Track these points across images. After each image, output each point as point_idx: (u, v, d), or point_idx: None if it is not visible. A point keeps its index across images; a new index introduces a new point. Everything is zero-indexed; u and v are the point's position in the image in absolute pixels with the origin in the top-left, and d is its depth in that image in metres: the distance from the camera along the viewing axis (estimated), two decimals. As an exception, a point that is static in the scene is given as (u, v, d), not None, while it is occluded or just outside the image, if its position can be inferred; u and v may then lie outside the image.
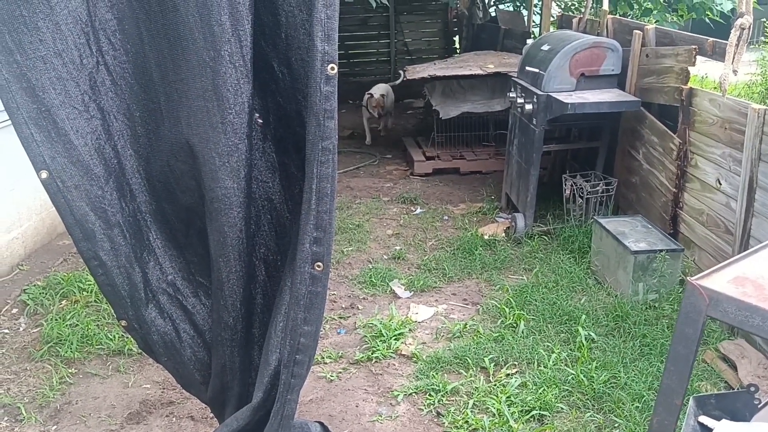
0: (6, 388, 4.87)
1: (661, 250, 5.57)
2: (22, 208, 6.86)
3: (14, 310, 5.90)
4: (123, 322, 3.35)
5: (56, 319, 5.50)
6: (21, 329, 5.60)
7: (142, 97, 3.31)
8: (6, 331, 5.59)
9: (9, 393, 4.82)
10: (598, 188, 6.98)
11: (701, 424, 2.22)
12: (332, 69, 3.00)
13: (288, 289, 3.37)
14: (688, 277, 1.95)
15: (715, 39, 5.86)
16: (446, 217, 8.01)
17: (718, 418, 2.27)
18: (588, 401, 4.54)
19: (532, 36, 11.04)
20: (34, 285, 6.20)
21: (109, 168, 3.21)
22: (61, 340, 5.27)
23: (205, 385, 3.78)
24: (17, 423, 4.54)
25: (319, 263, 3.17)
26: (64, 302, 5.89)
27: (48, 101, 2.96)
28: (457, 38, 15.61)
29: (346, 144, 11.15)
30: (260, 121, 3.36)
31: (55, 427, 4.51)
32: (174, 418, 4.51)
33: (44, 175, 2.93)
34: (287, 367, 3.25)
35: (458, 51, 14.80)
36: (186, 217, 3.53)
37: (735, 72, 4.67)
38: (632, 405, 4.40)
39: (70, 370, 5.03)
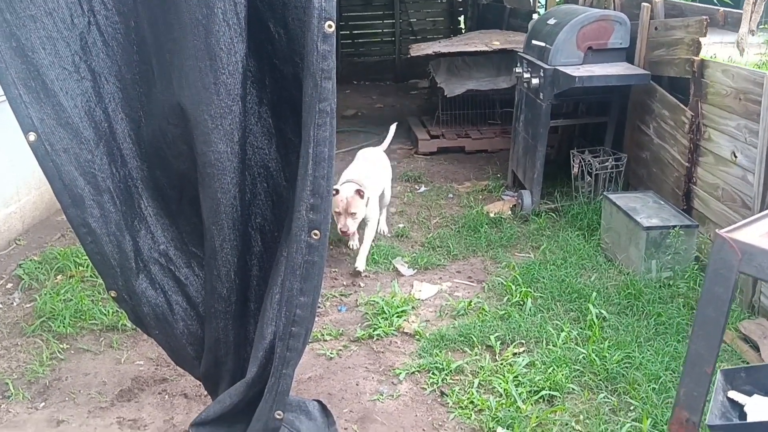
0: (-6, 364, 4.74)
1: (674, 226, 5.39)
2: (21, 183, 6.79)
3: (9, 285, 5.77)
4: (113, 293, 3.23)
5: (50, 294, 5.35)
6: (14, 304, 5.46)
7: (134, 58, 3.17)
8: (-1, 305, 5.46)
9: (-2, 369, 4.69)
10: (607, 164, 6.79)
11: (731, 400, 2.05)
12: (330, 27, 2.85)
13: (284, 259, 3.23)
14: (717, 230, 1.76)
15: (726, 8, 5.68)
16: (451, 195, 7.84)
17: (750, 393, 2.09)
18: (601, 382, 4.36)
19: (538, 15, 10.85)
20: (30, 260, 6.08)
21: (99, 132, 3.06)
22: (54, 315, 5.12)
23: (198, 360, 3.64)
24: (4, 399, 4.39)
25: (316, 231, 3.01)
26: (59, 277, 5.75)
27: (37, 61, 2.83)
28: (462, 18, 15.43)
29: (349, 123, 10.98)
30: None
31: (43, 403, 4.35)
32: (167, 396, 4.35)
33: (32, 137, 2.83)
34: (282, 340, 3.11)
35: (463, 31, 14.62)
36: (179, 183, 3.37)
37: (752, 33, 4.48)
38: (648, 386, 4.21)
39: (61, 346, 4.88)
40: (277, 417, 3.26)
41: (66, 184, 2.93)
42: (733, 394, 2.08)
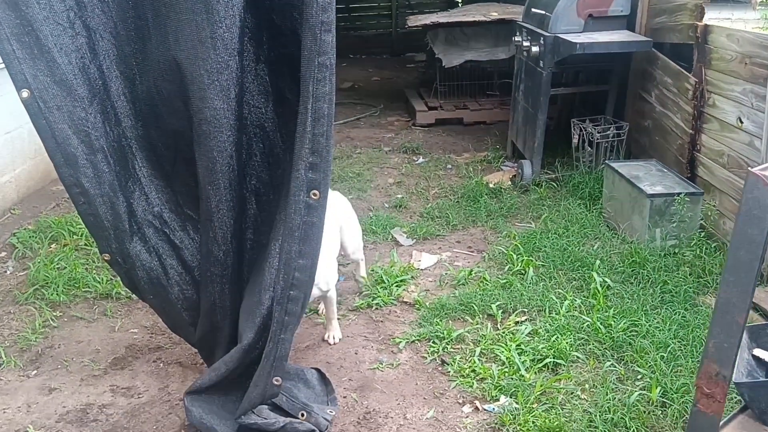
0: (-13, 332, 4.65)
1: (679, 194, 5.28)
2: (16, 152, 6.72)
3: (2, 254, 5.69)
4: (106, 256, 3.14)
5: (44, 262, 5.25)
6: (8, 272, 5.38)
7: (129, 14, 3.07)
8: (-9, 274, 5.37)
9: (-11, 336, 4.60)
10: (608, 133, 6.69)
11: (756, 358, 1.96)
12: (330, -24, 2.76)
13: (282, 221, 3.13)
14: (749, 168, 1.65)
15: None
16: (449, 166, 7.73)
17: (776, 351, 2.01)
18: (606, 350, 4.26)
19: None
20: (25, 229, 6.01)
21: (93, 89, 2.98)
22: (47, 283, 5.04)
23: (194, 326, 3.56)
24: (-5, 367, 4.31)
25: (315, 191, 2.91)
26: (53, 246, 5.67)
27: (31, 16, 2.74)
28: (459, -9, 15.30)
29: (345, 95, 10.86)
30: None
31: (35, 371, 4.26)
32: (161, 364, 4.25)
33: (25, 94, 2.75)
34: (281, 304, 3.02)
35: (460, 4, 14.49)
36: (173, 143, 3.28)
37: (754, 8, 4.38)
38: (656, 354, 4.10)
39: (54, 314, 4.79)
40: (276, 383, 3.18)
41: (59, 143, 2.86)
42: (759, 352, 1.99)
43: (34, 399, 4.03)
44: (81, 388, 4.04)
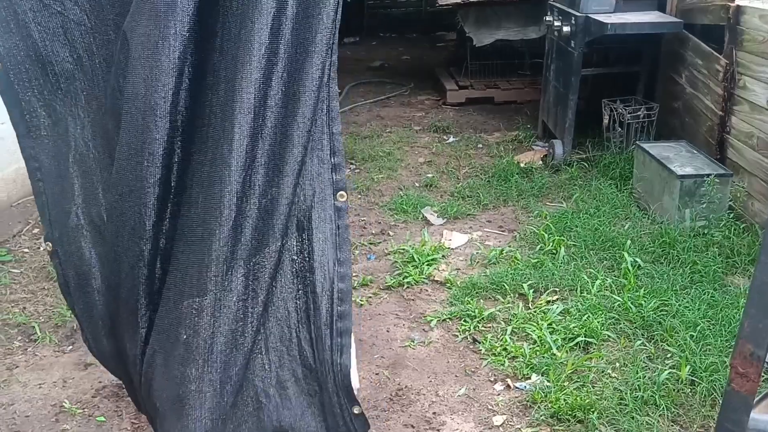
0: (22, 307, 4.72)
1: (708, 175, 5.28)
2: (47, 131, 6.67)
3: (35, 230, 5.74)
4: (48, 245, 2.88)
5: (77, 240, 5.29)
6: (41, 249, 5.44)
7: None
8: (26, 250, 5.44)
9: (25, 312, 4.67)
10: (639, 114, 6.67)
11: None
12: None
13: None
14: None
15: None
16: (480, 146, 7.74)
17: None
18: (637, 329, 4.29)
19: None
20: (57, 206, 6.01)
21: (66, 69, 2.90)
22: (81, 261, 5.07)
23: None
24: (31, 342, 4.39)
25: (342, 192, 2.81)
26: (85, 223, 5.70)
27: None
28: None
29: (375, 74, 10.89)
30: None
31: (70, 347, 4.34)
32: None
33: None
34: (328, 325, 2.78)
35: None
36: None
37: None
38: (686, 333, 4.13)
39: (89, 291, 4.84)
40: (355, 413, 2.79)
41: (24, 114, 2.78)
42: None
43: (69, 374, 4.11)
44: (118, 364, 4.12)
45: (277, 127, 2.37)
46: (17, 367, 4.19)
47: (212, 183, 2.36)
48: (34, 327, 4.49)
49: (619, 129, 6.79)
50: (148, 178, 2.40)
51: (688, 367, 3.84)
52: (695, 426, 3.60)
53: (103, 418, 3.77)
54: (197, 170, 2.43)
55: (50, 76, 2.77)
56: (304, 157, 2.46)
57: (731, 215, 5.31)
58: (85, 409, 3.84)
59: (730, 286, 4.65)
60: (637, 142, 6.26)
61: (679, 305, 4.39)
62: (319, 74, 2.39)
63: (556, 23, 7.07)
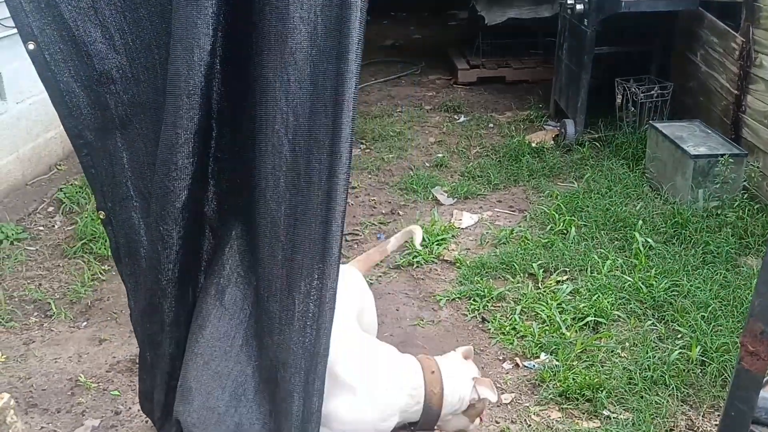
0: (37, 284, 4.75)
1: (722, 155, 5.25)
2: (60, 108, 6.70)
3: (50, 209, 5.76)
4: (102, 213, 2.98)
5: (91, 217, 5.31)
6: (56, 227, 5.47)
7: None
8: (41, 228, 5.46)
9: (40, 289, 4.69)
10: (652, 93, 6.63)
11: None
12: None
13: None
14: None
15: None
16: (491, 125, 7.70)
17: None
18: (647, 309, 4.28)
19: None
20: (71, 184, 6.07)
21: (99, 47, 2.90)
22: (95, 237, 5.12)
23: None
24: (47, 318, 4.42)
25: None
26: (99, 200, 5.74)
27: None
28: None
29: (386, 53, 10.81)
30: None
31: (85, 323, 4.38)
32: (208, 318, 4.34)
33: (31, 46, 2.70)
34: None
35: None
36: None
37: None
38: (697, 314, 4.12)
39: (102, 267, 4.88)
40: None
41: (63, 95, 2.81)
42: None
43: (84, 349, 4.14)
44: (131, 340, 4.11)
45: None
46: (33, 342, 4.22)
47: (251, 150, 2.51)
48: (49, 303, 4.52)
49: (632, 108, 6.74)
50: (186, 158, 2.57)
51: (699, 347, 3.83)
52: (705, 406, 3.59)
53: (117, 392, 3.80)
54: (234, 146, 2.60)
55: (84, 57, 2.79)
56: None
57: (745, 195, 5.29)
58: (100, 383, 3.88)
59: (743, 267, 4.63)
60: (651, 121, 6.22)
61: (691, 285, 4.38)
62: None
63: (570, 1, 6.99)
